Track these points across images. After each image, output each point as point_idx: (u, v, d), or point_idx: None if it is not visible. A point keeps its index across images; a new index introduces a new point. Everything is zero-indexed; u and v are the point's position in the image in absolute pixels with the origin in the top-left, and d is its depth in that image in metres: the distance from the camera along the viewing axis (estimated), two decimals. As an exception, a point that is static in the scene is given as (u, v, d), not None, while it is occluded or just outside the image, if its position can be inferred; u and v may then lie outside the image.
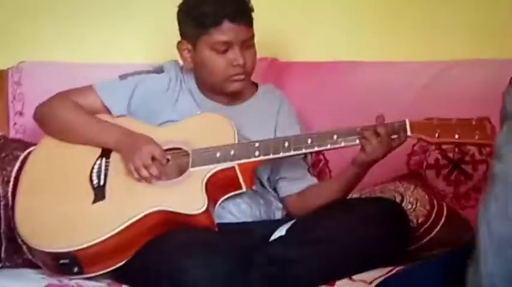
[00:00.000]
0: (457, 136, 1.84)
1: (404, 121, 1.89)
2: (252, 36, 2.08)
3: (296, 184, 2.11)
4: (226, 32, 2.03)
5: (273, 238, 1.95)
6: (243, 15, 2.05)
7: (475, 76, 2.35)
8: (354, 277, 1.85)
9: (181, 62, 2.16)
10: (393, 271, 1.78)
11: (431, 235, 2.04)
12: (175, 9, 2.11)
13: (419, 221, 2.04)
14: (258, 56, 2.13)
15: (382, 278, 1.69)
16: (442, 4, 2.53)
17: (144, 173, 1.95)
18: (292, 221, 1.98)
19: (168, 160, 2.00)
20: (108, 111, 2.12)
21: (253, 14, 2.08)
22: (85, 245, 1.85)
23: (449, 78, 2.37)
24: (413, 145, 2.28)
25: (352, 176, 1.99)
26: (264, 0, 2.19)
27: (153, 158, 1.96)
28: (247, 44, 2.07)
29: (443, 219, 2.06)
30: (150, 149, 1.97)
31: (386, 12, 2.56)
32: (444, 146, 2.27)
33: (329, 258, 1.84)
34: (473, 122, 1.85)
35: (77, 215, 1.94)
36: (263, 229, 1.99)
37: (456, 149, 2.28)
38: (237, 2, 2.05)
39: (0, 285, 1.87)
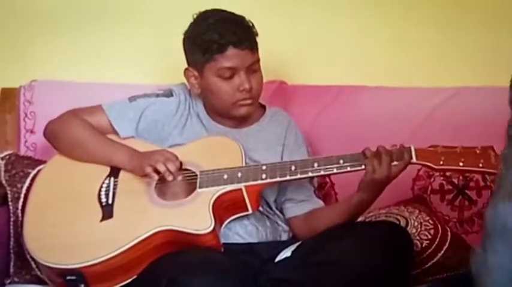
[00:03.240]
0: (461, 164, 1.85)
1: (410, 148, 1.90)
2: (257, 60, 2.09)
3: (302, 205, 2.11)
4: (231, 58, 2.03)
5: (278, 259, 1.96)
6: (247, 40, 2.05)
7: (481, 103, 2.35)
8: (358, 300, 1.85)
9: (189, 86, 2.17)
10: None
11: (435, 259, 2.04)
12: (183, 31, 2.12)
13: (424, 245, 2.05)
14: (266, 79, 2.14)
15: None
16: (449, 30, 2.54)
17: (162, 167, 1.94)
18: (297, 243, 1.99)
19: (181, 163, 2.00)
20: (116, 132, 2.12)
21: (262, 38, 2.09)
22: (92, 263, 1.87)
23: (455, 105, 2.38)
24: (418, 170, 2.29)
25: (358, 202, 1.98)
26: (272, 24, 2.20)
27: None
28: (253, 68, 2.07)
29: (447, 244, 2.07)
30: (165, 152, 2.00)
31: (393, 38, 2.57)
32: (448, 173, 2.28)
33: (333, 281, 1.83)
34: (478, 151, 1.85)
35: (85, 233, 1.95)
36: (269, 250, 2.00)
37: (460, 176, 2.29)
38: (240, 28, 2.05)
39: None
